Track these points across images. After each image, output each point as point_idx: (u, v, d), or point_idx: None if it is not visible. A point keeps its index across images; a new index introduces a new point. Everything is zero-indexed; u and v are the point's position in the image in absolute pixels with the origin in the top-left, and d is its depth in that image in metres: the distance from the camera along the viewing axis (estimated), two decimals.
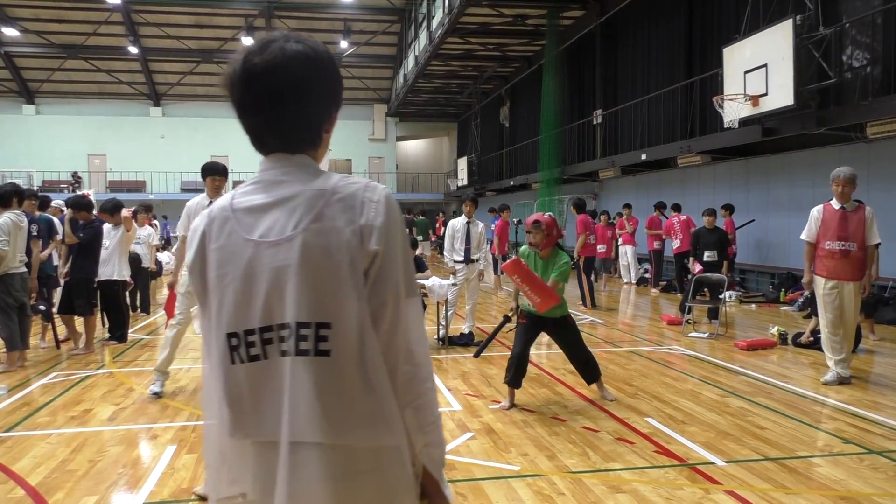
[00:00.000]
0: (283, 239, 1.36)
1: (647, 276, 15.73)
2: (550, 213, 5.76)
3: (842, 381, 6.48)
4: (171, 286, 6.31)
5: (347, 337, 1.36)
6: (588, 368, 5.89)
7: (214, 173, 6.14)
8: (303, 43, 1.43)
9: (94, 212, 8.62)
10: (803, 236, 6.74)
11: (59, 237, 8.87)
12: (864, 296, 6.49)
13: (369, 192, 1.41)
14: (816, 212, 6.68)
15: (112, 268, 8.45)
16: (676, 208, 13.95)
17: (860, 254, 6.40)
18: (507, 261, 5.59)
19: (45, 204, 9.64)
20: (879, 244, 6.58)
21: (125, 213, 8.64)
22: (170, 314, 6.21)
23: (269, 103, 1.41)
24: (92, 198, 9.30)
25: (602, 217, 15.38)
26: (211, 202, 6.12)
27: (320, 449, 1.35)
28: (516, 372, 5.67)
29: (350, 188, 1.41)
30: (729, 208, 13.37)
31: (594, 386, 6.04)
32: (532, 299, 5.53)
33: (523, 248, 5.91)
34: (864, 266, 6.42)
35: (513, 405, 5.72)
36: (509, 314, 6.31)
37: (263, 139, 1.46)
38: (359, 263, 1.37)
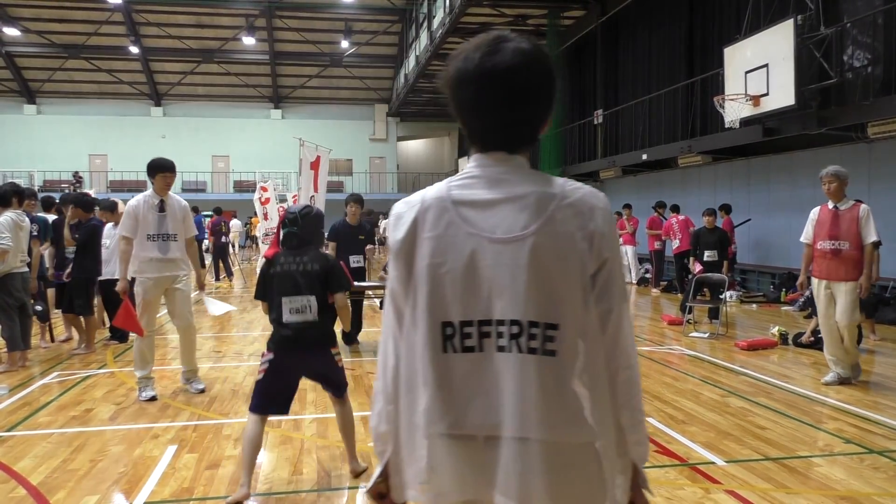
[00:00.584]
0: (512, 237, 1.40)
1: (647, 275, 15.74)
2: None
3: (842, 382, 6.48)
4: (124, 292, 5.98)
5: (573, 339, 1.40)
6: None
7: (166, 170, 6.05)
8: (530, 43, 1.45)
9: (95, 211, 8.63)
10: (802, 238, 6.73)
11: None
12: (860, 296, 6.30)
13: (596, 199, 1.46)
14: (813, 213, 6.69)
15: (113, 266, 8.46)
16: (675, 209, 13.97)
17: (854, 253, 6.26)
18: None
19: (49, 205, 9.64)
20: (878, 243, 6.43)
21: (120, 206, 8.66)
22: (136, 329, 5.93)
23: (509, 103, 1.42)
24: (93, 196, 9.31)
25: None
26: (161, 200, 6.02)
27: (542, 445, 1.39)
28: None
29: (577, 193, 1.45)
30: (726, 208, 13.38)
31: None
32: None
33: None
34: (858, 265, 6.24)
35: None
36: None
37: (488, 137, 1.47)
38: (588, 268, 1.42)
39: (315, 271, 3.98)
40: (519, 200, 1.41)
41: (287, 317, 3.93)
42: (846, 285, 6.28)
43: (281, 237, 4.16)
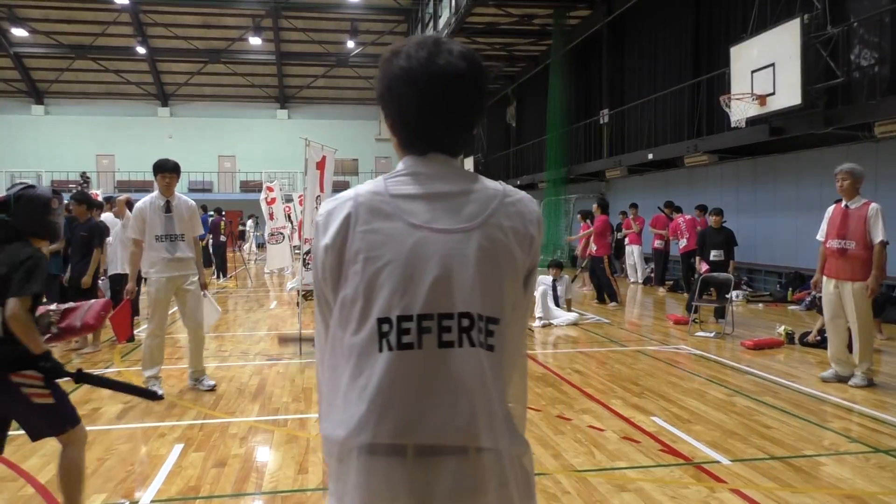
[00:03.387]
0: (459, 228, 1.35)
1: (653, 275, 15.72)
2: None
3: (840, 380, 6.47)
4: (130, 294, 6.13)
5: (506, 335, 1.38)
6: None
7: (164, 171, 6.11)
8: (470, 50, 1.43)
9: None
10: (817, 236, 6.73)
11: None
12: (868, 296, 6.24)
13: (534, 205, 1.46)
14: (828, 210, 6.71)
15: (118, 262, 8.53)
16: (677, 210, 13.98)
17: (861, 252, 6.19)
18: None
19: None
20: (886, 242, 6.27)
21: (120, 198, 8.71)
22: (122, 334, 5.94)
23: (456, 107, 1.39)
24: (100, 198, 9.35)
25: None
26: (167, 201, 6.09)
27: (489, 456, 1.33)
28: None
29: (518, 194, 1.44)
30: (702, 209, 13.59)
31: None
32: None
33: None
34: (866, 265, 6.17)
35: None
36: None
37: (431, 139, 1.42)
38: (522, 269, 1.41)
39: (1, 275, 3.03)
40: (462, 195, 1.39)
41: None
42: (853, 285, 6.24)
43: None
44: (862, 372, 6.36)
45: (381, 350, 1.33)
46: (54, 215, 3.30)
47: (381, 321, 1.33)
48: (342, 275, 1.38)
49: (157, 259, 6.03)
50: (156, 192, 6.20)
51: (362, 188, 1.42)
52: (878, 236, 6.16)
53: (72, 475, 3.28)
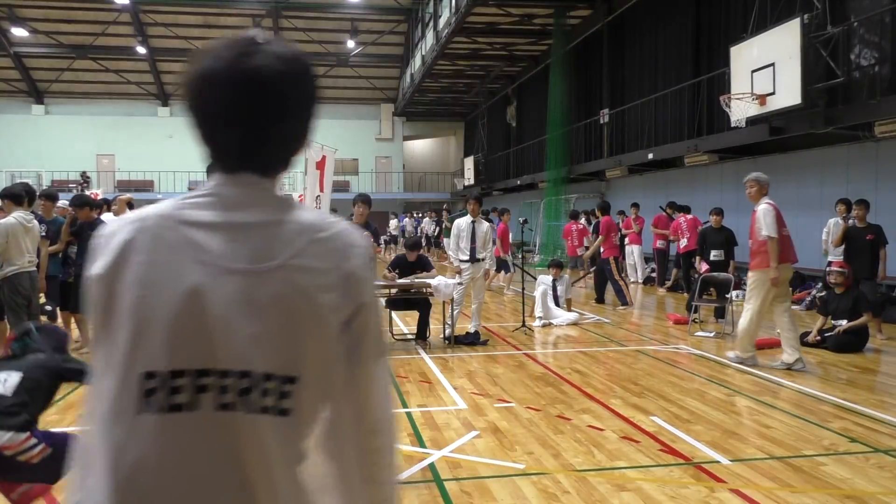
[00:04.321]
0: (253, 269, 1.11)
1: (654, 275, 15.72)
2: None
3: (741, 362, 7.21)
4: None
5: (313, 397, 1.14)
6: None
7: None
8: (293, 49, 1.22)
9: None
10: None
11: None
12: (772, 285, 7.08)
13: (353, 236, 1.21)
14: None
15: None
16: (680, 210, 14.00)
17: (758, 247, 7.23)
18: None
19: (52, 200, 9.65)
20: (771, 237, 7.05)
21: (121, 198, 8.71)
22: None
23: (268, 115, 1.17)
24: (100, 198, 9.34)
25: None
26: None
27: None
28: None
29: (334, 227, 1.20)
30: (672, 206, 13.77)
31: None
32: None
33: None
34: (761, 257, 7.12)
35: None
36: None
37: (237, 154, 1.18)
38: (340, 314, 1.16)
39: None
40: (265, 228, 1.15)
41: None
42: (750, 274, 7.41)
43: None
44: (737, 352, 7.32)
45: (140, 412, 1.06)
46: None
47: (146, 376, 1.07)
48: (111, 312, 1.12)
49: None
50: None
51: (152, 209, 1.17)
52: (763, 231, 7.07)
53: None
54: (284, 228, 1.16)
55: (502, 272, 15.01)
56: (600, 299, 12.48)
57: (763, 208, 7.19)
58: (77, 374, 3.29)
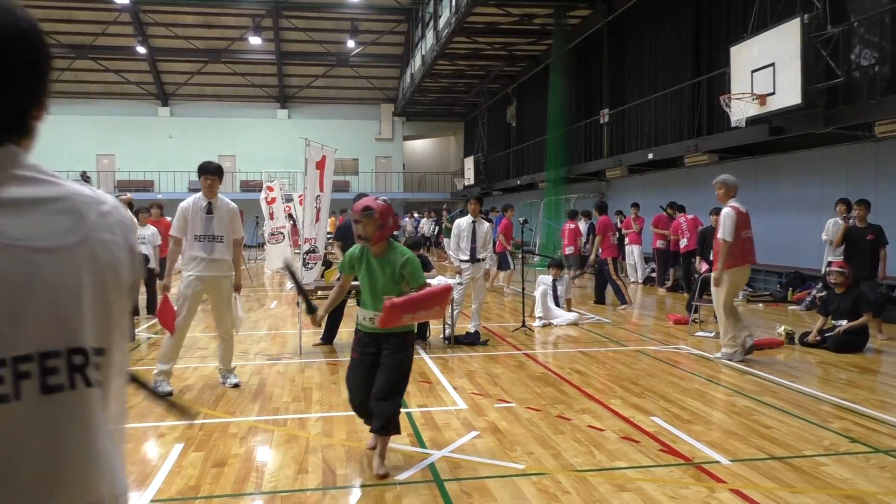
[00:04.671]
0: (60, 246, 1.05)
1: (653, 275, 15.72)
2: (385, 199, 4.45)
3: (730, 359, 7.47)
4: (166, 289, 6.33)
5: (112, 365, 1.12)
6: (384, 414, 4.22)
7: (207, 172, 6.32)
8: (15, 5, 1.09)
9: None
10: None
11: None
12: (714, 284, 7.48)
13: (123, 210, 1.18)
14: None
15: None
16: (680, 209, 14.03)
17: (716, 248, 7.59)
18: (384, 313, 4.01)
19: None
20: (725, 241, 7.30)
21: (122, 198, 8.74)
22: (170, 327, 6.12)
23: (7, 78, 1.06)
24: None
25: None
26: (209, 202, 6.25)
27: None
28: (363, 415, 4.46)
29: (109, 199, 1.16)
30: (673, 206, 13.82)
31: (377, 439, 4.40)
32: (434, 315, 4.44)
33: (351, 249, 4.58)
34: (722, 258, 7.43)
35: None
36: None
37: None
38: (127, 288, 1.15)
39: None
40: (52, 202, 1.07)
41: None
42: (714, 273, 7.57)
43: None
44: (723, 349, 7.54)
45: None
46: None
47: None
48: None
49: (194, 258, 6.17)
50: (199, 194, 6.36)
51: None
52: (720, 234, 7.43)
53: None
54: (74, 201, 1.10)
55: (501, 272, 15.01)
56: (600, 300, 12.48)
57: (726, 211, 7.50)
58: None
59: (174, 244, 6.31)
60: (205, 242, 6.18)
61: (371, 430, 4.38)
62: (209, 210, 6.25)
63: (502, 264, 14.50)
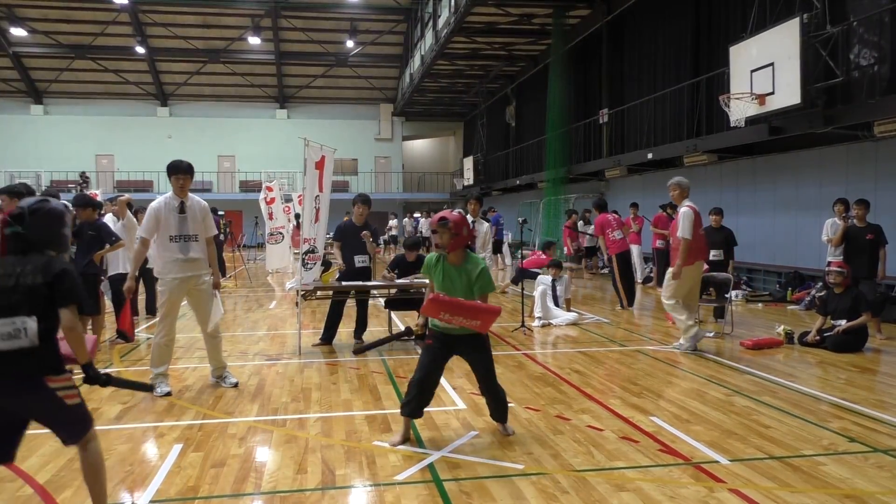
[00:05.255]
0: None
1: (653, 274, 15.72)
2: (460, 211, 4.85)
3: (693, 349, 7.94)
4: (129, 292, 6.27)
5: None
6: (497, 403, 4.94)
7: (178, 172, 6.22)
8: None
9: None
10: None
11: None
12: (671, 278, 7.98)
13: None
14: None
15: (118, 262, 8.55)
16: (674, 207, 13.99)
17: (674, 245, 8.08)
18: (426, 302, 4.57)
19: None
20: (685, 238, 7.85)
21: (122, 198, 8.73)
22: (131, 333, 6.05)
23: None
24: (99, 198, 9.35)
25: (573, 217, 17.03)
26: (182, 202, 6.19)
27: None
28: (418, 400, 4.71)
29: None
30: (672, 206, 13.63)
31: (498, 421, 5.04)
32: (472, 326, 4.56)
33: (429, 255, 4.92)
34: (678, 255, 7.92)
35: (406, 440, 4.77)
36: (414, 328, 5.00)
37: None
38: None
39: (37, 285, 3.10)
40: None
41: None
42: (672, 270, 8.03)
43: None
44: (683, 340, 8.01)
45: None
46: (67, 228, 3.39)
47: None
48: None
49: (170, 259, 6.11)
50: (170, 193, 6.26)
51: None
52: (678, 233, 7.85)
53: (100, 468, 3.39)
54: None
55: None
56: (630, 303, 12.13)
57: (683, 211, 7.93)
58: (68, 295, 3.18)
59: (141, 245, 6.20)
60: (181, 243, 6.11)
61: (495, 419, 5.00)
62: (182, 209, 6.18)
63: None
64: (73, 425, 3.30)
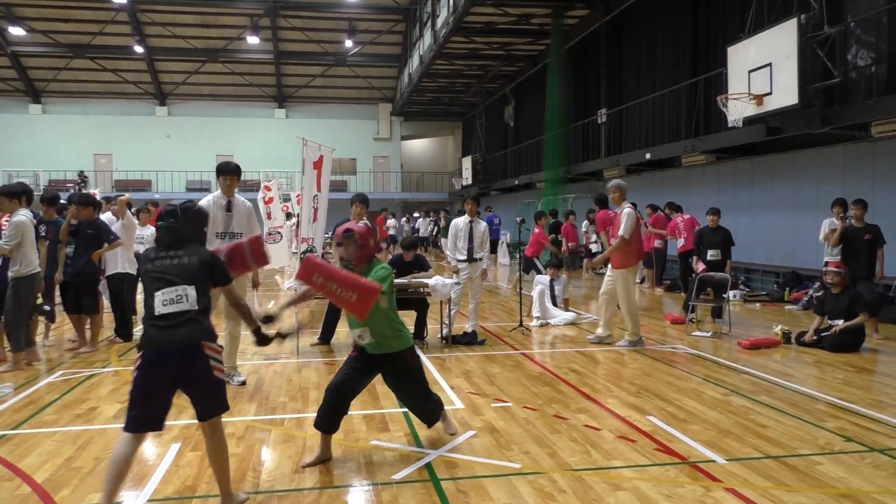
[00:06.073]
0: None
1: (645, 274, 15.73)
2: (366, 222, 4.68)
3: (601, 341, 8.53)
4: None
5: None
6: (423, 412, 4.78)
7: (226, 173, 6.52)
8: None
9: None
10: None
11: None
12: (592, 265, 8.34)
13: None
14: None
15: (117, 261, 8.54)
16: (677, 209, 14.03)
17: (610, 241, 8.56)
18: (302, 263, 4.29)
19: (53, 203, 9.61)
20: (624, 238, 8.09)
21: (122, 198, 8.73)
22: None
23: None
24: (98, 197, 9.33)
25: (570, 217, 17.07)
26: (229, 200, 6.45)
27: None
28: (332, 409, 4.44)
29: None
30: (671, 206, 14.02)
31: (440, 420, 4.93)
32: (345, 300, 4.16)
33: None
34: (624, 256, 8.19)
35: (325, 459, 4.43)
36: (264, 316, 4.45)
37: None
38: None
39: (193, 263, 3.64)
40: None
41: (160, 309, 3.51)
42: (617, 272, 8.33)
43: (157, 233, 3.84)
44: (628, 336, 8.38)
45: None
46: (207, 227, 4.06)
47: None
48: None
49: None
50: (218, 192, 6.57)
51: None
52: (620, 232, 8.15)
53: (226, 451, 3.71)
54: None
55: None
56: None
57: (627, 212, 8.20)
58: (224, 275, 3.84)
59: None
60: (226, 239, 6.29)
61: (428, 425, 4.87)
62: (228, 208, 6.46)
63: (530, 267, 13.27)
64: (214, 399, 3.64)
